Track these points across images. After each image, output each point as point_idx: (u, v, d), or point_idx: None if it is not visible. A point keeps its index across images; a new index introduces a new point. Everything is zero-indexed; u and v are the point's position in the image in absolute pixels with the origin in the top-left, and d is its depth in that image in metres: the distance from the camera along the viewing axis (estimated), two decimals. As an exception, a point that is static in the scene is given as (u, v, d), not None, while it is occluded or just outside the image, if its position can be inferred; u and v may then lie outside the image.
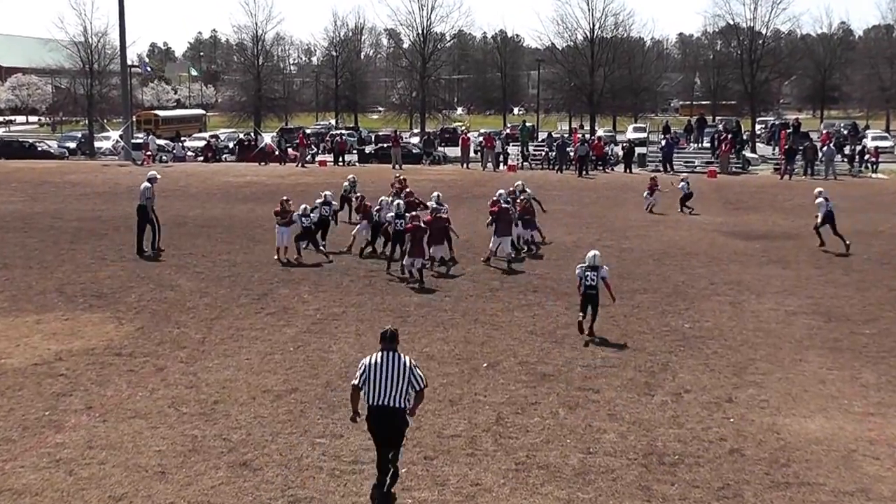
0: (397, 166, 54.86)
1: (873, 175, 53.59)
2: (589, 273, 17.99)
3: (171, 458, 11.93)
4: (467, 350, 16.92)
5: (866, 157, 56.63)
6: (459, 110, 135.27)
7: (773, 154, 63.56)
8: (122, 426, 13.01)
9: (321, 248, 25.72)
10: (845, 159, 56.14)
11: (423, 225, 23.17)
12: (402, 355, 10.78)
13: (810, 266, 25.32)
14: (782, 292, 22.07)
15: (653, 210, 35.91)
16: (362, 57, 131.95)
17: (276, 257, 25.16)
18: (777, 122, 74.84)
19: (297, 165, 57.45)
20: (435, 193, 26.90)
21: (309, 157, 60.36)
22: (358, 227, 27.10)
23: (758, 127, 75.94)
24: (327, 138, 69.42)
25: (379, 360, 10.61)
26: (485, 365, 15.97)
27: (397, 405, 10.51)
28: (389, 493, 10.89)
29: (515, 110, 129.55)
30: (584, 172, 52.45)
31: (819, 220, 28.25)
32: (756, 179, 50.96)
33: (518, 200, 27.68)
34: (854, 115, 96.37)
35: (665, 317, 19.63)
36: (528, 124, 70.19)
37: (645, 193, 36.97)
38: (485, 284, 22.61)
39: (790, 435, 12.93)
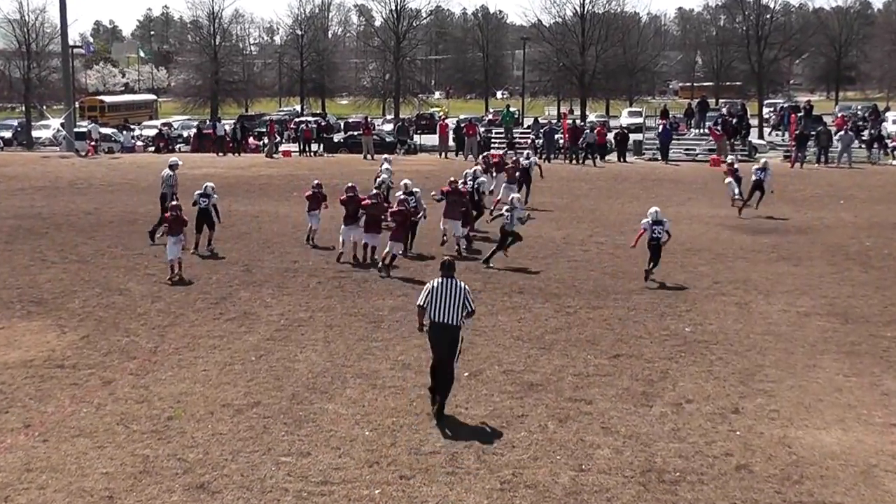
0: (369, 156, 54.90)
1: (894, 162, 53.79)
2: (655, 227, 22.56)
3: (119, 480, 11.86)
4: (447, 358, 16.89)
5: (886, 142, 56.76)
6: (437, 94, 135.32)
7: (783, 140, 63.80)
8: (64, 446, 12.93)
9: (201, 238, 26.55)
10: (863, 145, 56.34)
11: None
12: (458, 281, 14.22)
13: (824, 263, 25.44)
14: (794, 292, 22.17)
15: (735, 200, 34.60)
16: (330, 36, 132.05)
17: (168, 277, 23.20)
18: (787, 105, 75.22)
19: (265, 156, 57.51)
20: (404, 182, 27.29)
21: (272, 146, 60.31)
22: (310, 217, 27.56)
23: (766, 110, 76.27)
24: (291, 126, 69.29)
25: (440, 284, 14.07)
26: (466, 374, 15.94)
27: (454, 323, 13.89)
28: (443, 402, 13.98)
29: (498, 94, 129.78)
30: (590, 161, 53.10)
31: (750, 185, 33.00)
32: (764, 168, 51.09)
33: (511, 161, 35.14)
34: (873, 96, 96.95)
35: (664, 319, 19.68)
36: (511, 109, 70.29)
37: (729, 180, 35.23)
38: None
39: (803, 449, 12.98)
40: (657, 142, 56.93)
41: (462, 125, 60.30)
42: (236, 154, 58.77)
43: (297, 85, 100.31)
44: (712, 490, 11.71)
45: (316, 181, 28.61)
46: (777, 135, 68.24)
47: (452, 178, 27.74)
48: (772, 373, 16.22)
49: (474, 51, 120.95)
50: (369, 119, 65.17)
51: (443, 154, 57.85)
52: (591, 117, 74.14)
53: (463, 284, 14.22)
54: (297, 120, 73.71)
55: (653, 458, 12.61)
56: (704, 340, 18.12)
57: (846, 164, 50.46)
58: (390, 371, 16.13)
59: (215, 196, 26.83)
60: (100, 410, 14.32)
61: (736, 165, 36.25)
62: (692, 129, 64.18)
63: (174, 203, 24.49)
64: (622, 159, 54.65)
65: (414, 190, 26.94)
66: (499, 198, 32.00)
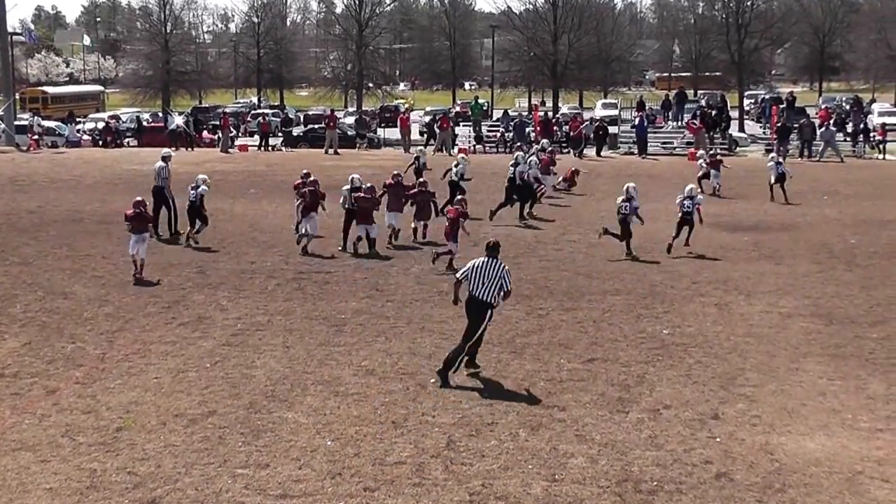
0: (331, 151, 54.78)
1: (880, 156, 54.16)
2: (686, 202, 26.37)
3: (64, 496, 11.79)
4: (413, 363, 16.90)
5: (871, 135, 57.13)
6: (402, 85, 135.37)
7: (764, 133, 64.21)
8: (4, 460, 12.84)
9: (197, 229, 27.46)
10: (848, 138, 56.71)
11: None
12: (500, 261, 16.07)
13: (808, 261, 25.58)
14: (776, 292, 22.29)
15: (717, 192, 37.73)
16: (288, 24, 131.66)
17: (133, 273, 23.31)
18: (768, 97, 75.61)
19: (220, 151, 57.32)
20: (352, 177, 27.25)
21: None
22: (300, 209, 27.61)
23: (746, 102, 76.73)
24: (248, 119, 69.04)
25: (482, 263, 15.96)
26: (432, 381, 15.96)
27: (487, 299, 15.81)
28: (449, 368, 15.81)
29: (467, 85, 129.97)
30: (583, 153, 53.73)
31: (772, 179, 36.06)
32: (745, 162, 51.33)
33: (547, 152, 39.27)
34: (858, 87, 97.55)
35: (641, 322, 19.74)
36: (480, 101, 70.39)
37: (714, 171, 38.40)
38: (432, 287, 22.58)
39: (786, 456, 13.05)
40: (633, 135, 57.09)
41: (437, 117, 60.28)
42: (189, 149, 58.46)
43: (253, 75, 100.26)
44: (691, 500, 11.75)
45: (305, 171, 29.30)
46: (759, 127, 68.68)
47: (396, 172, 28.79)
48: (753, 377, 16.30)
49: (441, 39, 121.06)
50: (333, 111, 64.99)
51: (406, 149, 57.78)
52: (564, 109, 74.30)
53: (504, 265, 16.04)
54: (253, 112, 73.50)
55: (629, 467, 12.64)
56: (683, 343, 18.19)
57: (836, 159, 50.75)
58: (353, 377, 16.11)
59: (203, 188, 27.54)
60: (43, 422, 14.21)
61: (719, 157, 38.27)
62: (670, 122, 64.50)
63: (137, 199, 24.35)
64: (598, 154, 54.79)
65: (363, 186, 26.86)
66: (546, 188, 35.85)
